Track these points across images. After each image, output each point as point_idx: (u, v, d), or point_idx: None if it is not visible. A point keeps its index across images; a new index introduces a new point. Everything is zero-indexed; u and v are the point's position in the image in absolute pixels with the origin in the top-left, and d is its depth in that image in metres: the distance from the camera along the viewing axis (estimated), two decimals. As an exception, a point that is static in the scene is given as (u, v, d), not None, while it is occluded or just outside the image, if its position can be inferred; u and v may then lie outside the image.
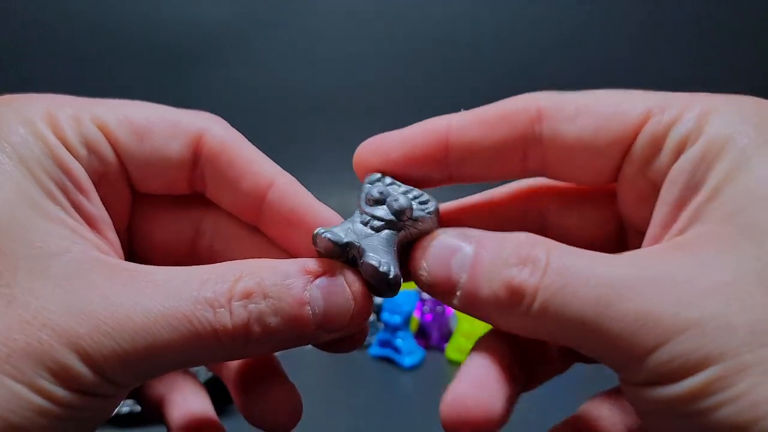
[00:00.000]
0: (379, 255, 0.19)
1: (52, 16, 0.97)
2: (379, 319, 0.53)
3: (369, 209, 0.20)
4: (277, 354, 0.42)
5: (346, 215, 0.22)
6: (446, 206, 0.23)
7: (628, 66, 1.02)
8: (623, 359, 0.15)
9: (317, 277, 0.19)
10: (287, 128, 0.99)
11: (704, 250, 0.15)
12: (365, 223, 0.20)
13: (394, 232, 0.20)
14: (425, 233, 0.20)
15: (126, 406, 0.36)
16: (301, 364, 0.47)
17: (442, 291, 0.18)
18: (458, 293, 0.18)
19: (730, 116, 0.17)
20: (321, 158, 0.96)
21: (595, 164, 0.19)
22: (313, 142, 0.99)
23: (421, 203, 0.20)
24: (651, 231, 0.18)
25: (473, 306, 0.18)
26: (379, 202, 0.20)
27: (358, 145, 0.22)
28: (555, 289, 0.16)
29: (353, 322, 0.19)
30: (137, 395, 0.26)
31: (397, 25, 1.02)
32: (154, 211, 0.23)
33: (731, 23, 1.02)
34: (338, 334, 0.19)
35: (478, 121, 0.20)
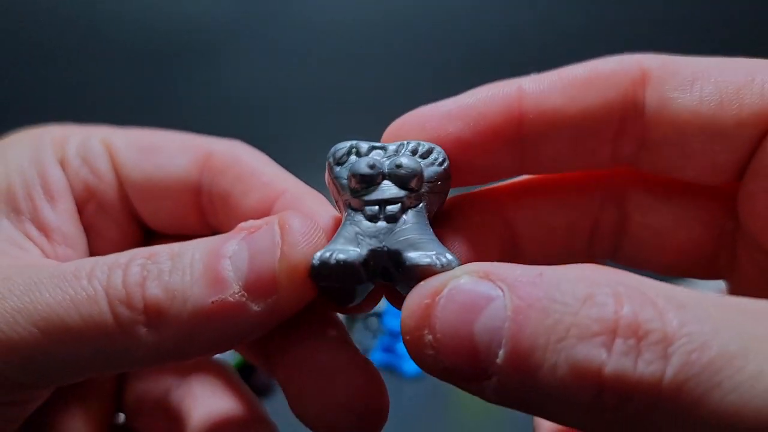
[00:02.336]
0: (425, 248, 0.13)
1: (49, 16, 0.97)
2: (380, 323, 0.53)
3: (368, 196, 0.14)
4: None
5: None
6: (490, 188, 0.17)
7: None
8: None
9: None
10: (286, 128, 0.99)
11: None
12: (373, 218, 0.13)
13: (418, 208, 0.14)
14: (445, 193, 0.15)
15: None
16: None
17: (464, 377, 0.11)
18: (494, 380, 0.10)
19: None
20: (320, 158, 0.95)
21: (715, 151, 0.14)
22: (311, 142, 0.98)
23: (423, 157, 0.14)
24: None
25: (525, 402, 0.11)
26: (372, 180, 0.14)
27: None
28: (702, 388, 0.09)
29: (289, 278, 0.13)
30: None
31: (397, 24, 1.01)
32: None
33: (732, 22, 1.02)
34: (272, 301, 0.13)
35: (561, 85, 0.14)
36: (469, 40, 1.01)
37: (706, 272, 0.17)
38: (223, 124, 1.00)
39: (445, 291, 0.11)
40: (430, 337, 0.11)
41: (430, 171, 0.14)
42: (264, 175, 0.19)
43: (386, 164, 0.14)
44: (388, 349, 0.47)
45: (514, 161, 0.15)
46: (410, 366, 0.45)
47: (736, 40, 1.03)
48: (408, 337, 0.11)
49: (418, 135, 0.14)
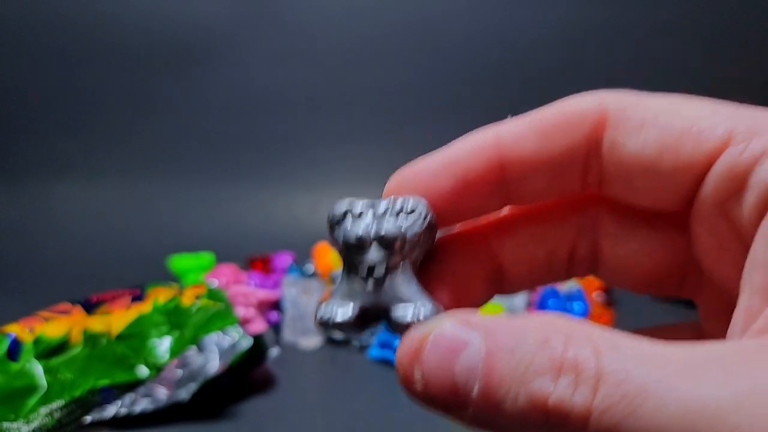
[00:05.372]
0: (407, 300, 0.15)
1: (50, 18, 0.97)
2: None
3: (359, 258, 0.16)
4: (275, 355, 0.42)
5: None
6: (476, 222, 0.19)
7: (628, 64, 1.02)
8: None
9: None
10: (286, 128, 0.99)
11: None
12: (365, 277, 0.15)
13: (403, 264, 0.16)
14: (432, 240, 0.17)
15: (124, 407, 0.36)
16: (301, 366, 0.47)
17: (448, 407, 0.13)
18: (470, 410, 0.13)
19: None
20: (320, 158, 0.96)
21: (657, 191, 0.15)
22: (311, 142, 0.98)
23: (408, 213, 0.16)
24: (744, 302, 0.14)
25: (495, 427, 0.13)
26: (363, 244, 0.15)
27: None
28: (619, 415, 0.11)
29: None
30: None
31: (397, 24, 1.01)
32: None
33: (734, 22, 1.02)
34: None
35: (533, 130, 0.16)
36: (466, 43, 1.01)
37: (677, 292, 0.18)
38: (222, 125, 1.01)
39: (431, 337, 0.13)
40: (419, 375, 0.13)
41: (412, 229, 0.16)
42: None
43: (373, 230, 0.15)
44: (386, 345, 0.47)
45: (497, 200, 0.17)
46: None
47: (738, 40, 1.04)
48: (401, 374, 0.14)
49: (411, 191, 0.16)
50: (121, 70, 0.98)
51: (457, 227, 0.19)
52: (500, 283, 0.19)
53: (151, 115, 0.98)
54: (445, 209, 0.16)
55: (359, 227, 0.15)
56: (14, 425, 0.34)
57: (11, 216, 0.91)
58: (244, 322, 0.49)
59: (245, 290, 0.53)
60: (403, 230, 0.15)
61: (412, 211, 0.16)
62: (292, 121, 0.99)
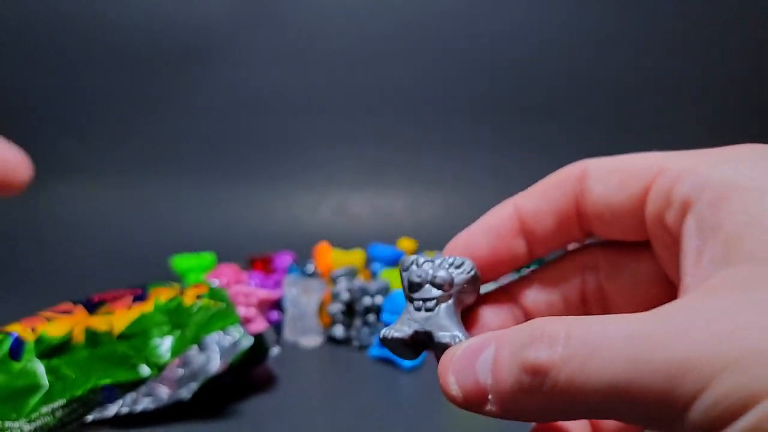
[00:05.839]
0: (448, 330, 0.20)
1: (50, 17, 0.97)
2: (379, 319, 0.53)
3: (417, 294, 0.21)
4: (276, 354, 0.42)
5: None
6: (504, 283, 0.24)
7: (626, 65, 1.02)
8: (666, 416, 0.14)
9: None
10: (286, 128, 0.99)
11: (734, 291, 0.15)
12: (419, 309, 0.21)
13: (449, 303, 0.21)
14: (475, 290, 0.22)
15: (125, 407, 0.36)
16: (301, 365, 0.47)
17: (475, 402, 0.17)
18: (490, 398, 0.17)
19: (734, 163, 0.18)
20: (320, 158, 0.96)
21: (624, 222, 0.21)
22: (311, 142, 0.99)
23: (457, 267, 0.22)
24: (682, 283, 0.18)
25: (508, 407, 0.17)
26: (422, 284, 0.21)
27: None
28: (581, 359, 0.15)
29: None
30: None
31: (397, 25, 1.01)
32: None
33: (730, 23, 1.02)
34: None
35: (542, 195, 0.22)
36: (466, 44, 1.02)
37: None
38: (223, 126, 1.01)
39: (459, 351, 0.18)
40: (452, 378, 0.18)
41: (459, 278, 0.21)
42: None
43: (430, 273, 0.21)
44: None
45: (525, 256, 0.22)
46: (407, 360, 0.46)
47: (735, 42, 1.04)
48: (441, 382, 0.18)
49: (461, 252, 0.22)
50: (122, 70, 0.98)
51: (497, 284, 0.24)
52: None
53: (152, 115, 0.98)
54: (485, 266, 0.22)
55: (420, 272, 0.21)
56: (16, 424, 0.34)
57: (13, 216, 0.91)
58: (245, 322, 0.49)
59: (246, 290, 0.54)
60: (451, 276, 0.21)
61: (461, 265, 0.21)
62: (293, 122, 0.99)
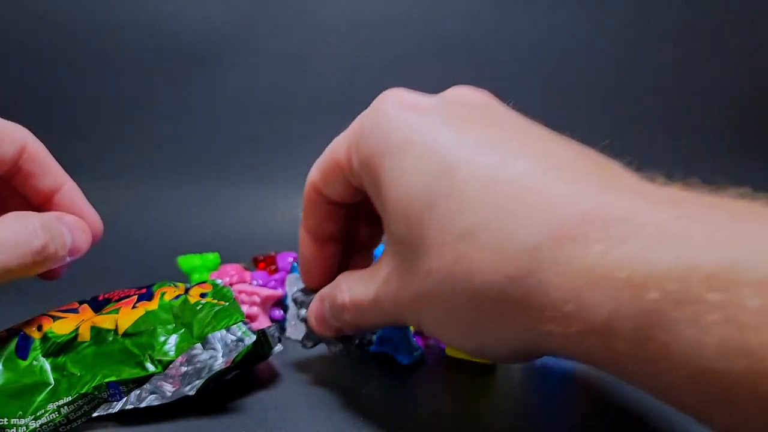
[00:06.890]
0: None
1: (56, 21, 0.98)
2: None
3: (299, 308, 0.41)
4: (277, 352, 0.43)
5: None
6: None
7: (626, 65, 1.02)
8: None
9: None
10: (290, 131, 0.99)
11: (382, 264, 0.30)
12: (303, 320, 0.40)
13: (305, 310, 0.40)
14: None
15: (130, 403, 0.37)
16: (300, 361, 0.47)
17: (323, 323, 0.38)
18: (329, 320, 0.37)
19: (371, 137, 0.31)
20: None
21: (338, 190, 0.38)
22: (314, 145, 0.99)
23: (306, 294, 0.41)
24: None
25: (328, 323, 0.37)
26: (303, 304, 0.41)
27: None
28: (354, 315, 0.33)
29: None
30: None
31: (398, 29, 1.02)
32: None
33: (726, 25, 1.02)
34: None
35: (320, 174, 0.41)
36: (466, 46, 1.02)
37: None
38: (227, 129, 1.01)
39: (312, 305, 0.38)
40: (313, 318, 0.38)
41: (303, 307, 0.42)
42: (53, 164, 0.38)
43: (302, 314, 0.42)
44: (385, 341, 0.48)
45: (337, 233, 0.40)
46: (406, 356, 0.46)
47: (729, 43, 1.03)
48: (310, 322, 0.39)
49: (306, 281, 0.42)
50: (127, 73, 0.99)
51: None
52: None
53: (159, 118, 0.99)
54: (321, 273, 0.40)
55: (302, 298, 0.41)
56: (22, 422, 0.35)
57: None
58: (249, 320, 0.49)
59: (249, 288, 0.54)
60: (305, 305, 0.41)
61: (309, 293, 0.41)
62: (297, 124, 1.00)
